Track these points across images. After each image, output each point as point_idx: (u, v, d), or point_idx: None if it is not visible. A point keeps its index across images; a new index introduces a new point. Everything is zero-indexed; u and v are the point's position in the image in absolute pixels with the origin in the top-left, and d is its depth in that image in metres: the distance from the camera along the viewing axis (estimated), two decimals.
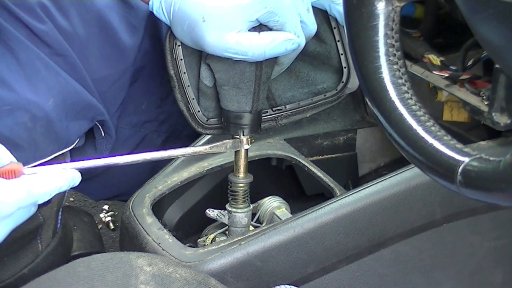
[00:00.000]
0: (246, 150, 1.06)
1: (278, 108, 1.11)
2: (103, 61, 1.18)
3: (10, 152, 0.89)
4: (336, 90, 1.11)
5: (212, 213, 1.11)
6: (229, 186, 1.09)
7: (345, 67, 1.10)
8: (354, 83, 1.10)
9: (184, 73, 1.05)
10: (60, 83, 1.09)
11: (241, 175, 1.08)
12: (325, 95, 1.12)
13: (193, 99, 1.06)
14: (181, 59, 1.04)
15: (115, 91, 1.21)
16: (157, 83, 1.27)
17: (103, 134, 1.20)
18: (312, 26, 1.03)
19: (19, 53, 1.06)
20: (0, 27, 1.05)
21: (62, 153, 1.11)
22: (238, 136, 1.05)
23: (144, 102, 1.27)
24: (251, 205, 1.11)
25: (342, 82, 1.11)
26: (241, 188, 1.08)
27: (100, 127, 1.20)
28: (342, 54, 1.09)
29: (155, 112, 1.29)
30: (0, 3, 1.07)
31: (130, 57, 1.21)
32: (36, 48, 1.08)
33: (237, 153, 1.07)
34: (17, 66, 1.05)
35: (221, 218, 1.11)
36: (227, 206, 1.10)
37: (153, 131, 1.31)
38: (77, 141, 1.15)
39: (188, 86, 1.06)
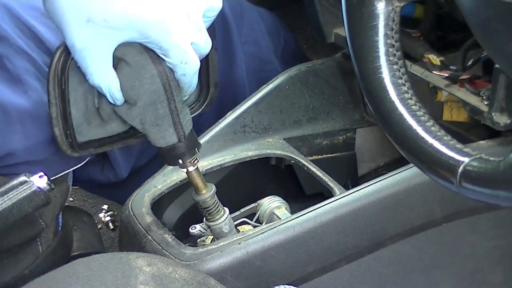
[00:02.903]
0: (196, 169, 1.04)
1: None
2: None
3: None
4: None
5: (194, 230, 1.11)
6: (199, 206, 1.08)
7: (203, 88, 1.06)
8: None
9: (68, 101, 0.96)
10: None
11: (203, 191, 1.05)
12: None
13: (72, 126, 0.97)
14: (67, 87, 0.95)
15: None
16: None
17: None
18: (205, 45, 0.95)
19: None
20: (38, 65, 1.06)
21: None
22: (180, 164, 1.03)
23: None
24: (224, 208, 1.09)
25: (198, 101, 1.07)
26: (210, 202, 1.06)
27: None
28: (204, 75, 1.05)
29: None
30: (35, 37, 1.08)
31: None
32: None
33: (188, 175, 1.04)
34: None
35: (204, 232, 1.10)
36: (204, 221, 1.09)
37: None
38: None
39: (70, 113, 0.96)
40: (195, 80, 0.97)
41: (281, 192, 1.20)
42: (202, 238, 1.15)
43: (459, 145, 0.71)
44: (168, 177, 1.18)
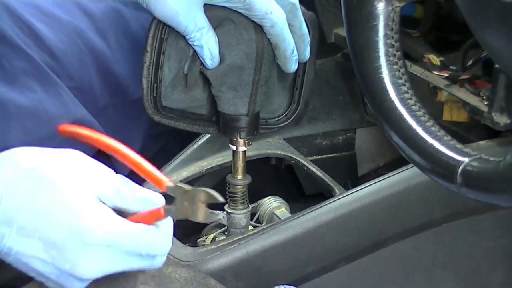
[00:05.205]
0: (244, 152, 1.06)
1: None
2: (138, 83, 1.19)
3: None
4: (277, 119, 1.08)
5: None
6: (227, 188, 1.09)
7: (294, 102, 1.07)
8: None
9: (163, 53, 0.99)
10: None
11: (239, 176, 1.07)
12: (266, 121, 1.08)
13: (160, 81, 1.00)
14: (166, 39, 0.98)
15: None
16: None
17: None
18: None
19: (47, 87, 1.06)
20: (40, 68, 1.06)
21: None
22: (235, 139, 1.04)
23: None
24: (250, 205, 1.11)
25: (285, 115, 1.07)
26: (240, 190, 1.08)
27: None
28: (296, 89, 1.06)
29: None
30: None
31: None
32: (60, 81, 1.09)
33: (234, 154, 1.06)
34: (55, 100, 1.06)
35: (220, 219, 1.10)
36: (225, 207, 1.09)
37: (172, 141, 1.31)
38: None
39: (161, 67, 0.99)
40: (286, 34, 0.98)
41: (281, 192, 1.20)
42: (202, 238, 1.15)
43: (459, 145, 0.71)
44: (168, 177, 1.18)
